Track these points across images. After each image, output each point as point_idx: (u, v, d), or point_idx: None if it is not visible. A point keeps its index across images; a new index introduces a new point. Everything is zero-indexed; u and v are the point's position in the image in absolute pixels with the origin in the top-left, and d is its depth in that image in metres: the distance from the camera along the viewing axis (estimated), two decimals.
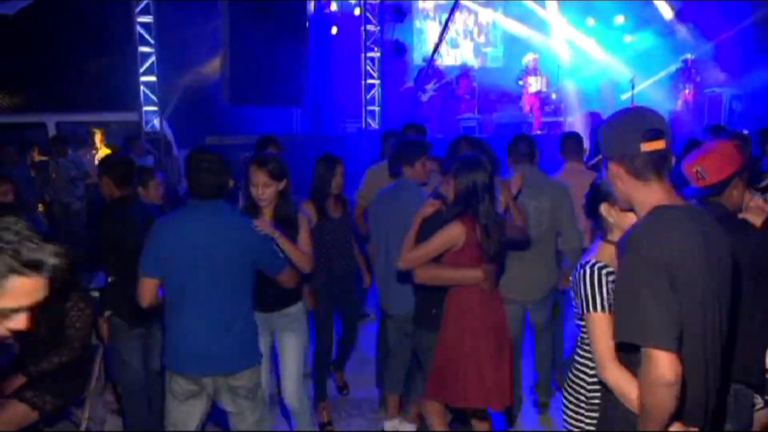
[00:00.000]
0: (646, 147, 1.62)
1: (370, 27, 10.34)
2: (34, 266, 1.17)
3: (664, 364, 1.48)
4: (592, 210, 2.11)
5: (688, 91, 10.91)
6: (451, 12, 10.90)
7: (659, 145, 1.62)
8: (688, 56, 10.88)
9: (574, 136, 4.41)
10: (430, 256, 2.84)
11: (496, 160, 3.36)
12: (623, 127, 1.70)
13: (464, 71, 11.19)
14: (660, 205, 1.63)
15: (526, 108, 11.15)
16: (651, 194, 1.65)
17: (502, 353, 2.90)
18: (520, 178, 3.36)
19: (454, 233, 2.80)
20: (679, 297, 1.52)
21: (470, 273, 2.83)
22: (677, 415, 1.56)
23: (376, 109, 10.46)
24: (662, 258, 1.52)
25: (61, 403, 3.33)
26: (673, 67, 11.05)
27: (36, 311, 3.72)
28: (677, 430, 1.59)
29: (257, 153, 3.66)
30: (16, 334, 1.28)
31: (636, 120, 1.69)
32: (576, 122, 10.22)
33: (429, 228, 2.89)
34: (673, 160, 1.70)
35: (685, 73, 10.92)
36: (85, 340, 3.42)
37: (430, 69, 11.01)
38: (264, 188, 3.04)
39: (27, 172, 7.59)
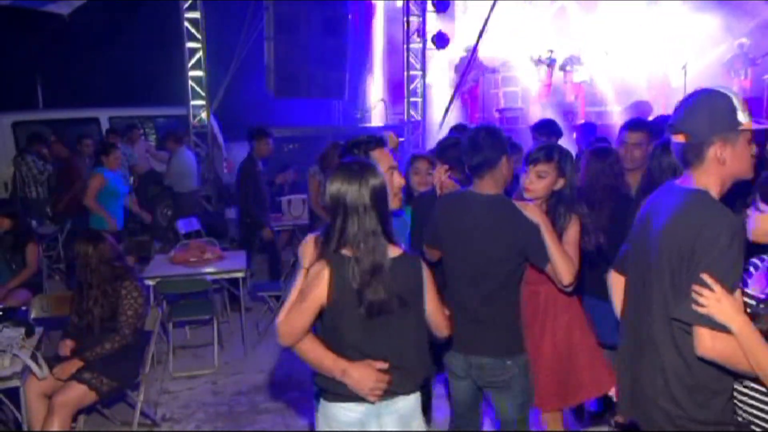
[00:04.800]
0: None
1: (412, 18, 10.29)
2: None
3: None
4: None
5: (743, 78, 10.44)
6: (494, 3, 10.71)
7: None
8: (744, 41, 10.40)
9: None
10: None
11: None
12: None
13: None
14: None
15: (571, 98, 10.90)
16: None
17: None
18: None
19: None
20: None
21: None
22: None
23: (419, 100, 10.41)
24: None
25: (117, 385, 3.47)
26: (728, 53, 10.58)
27: (93, 299, 3.83)
28: None
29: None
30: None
31: None
32: (625, 112, 9.92)
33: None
34: None
35: (741, 59, 10.44)
36: (136, 327, 3.55)
37: (472, 60, 10.87)
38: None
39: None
